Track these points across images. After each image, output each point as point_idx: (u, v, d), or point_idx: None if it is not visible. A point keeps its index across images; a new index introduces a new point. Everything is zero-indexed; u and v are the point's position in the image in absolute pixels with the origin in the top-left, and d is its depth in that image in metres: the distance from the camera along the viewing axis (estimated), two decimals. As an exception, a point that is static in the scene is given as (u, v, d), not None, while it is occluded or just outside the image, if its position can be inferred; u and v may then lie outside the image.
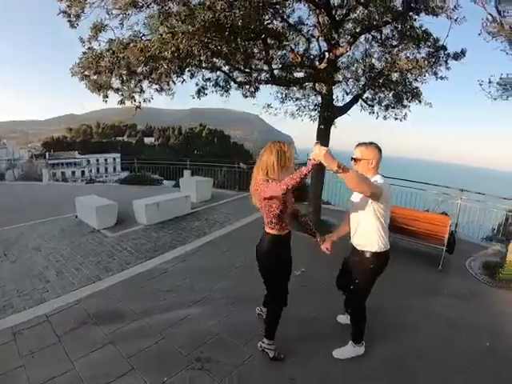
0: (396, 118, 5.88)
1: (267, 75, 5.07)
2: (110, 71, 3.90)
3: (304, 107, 6.08)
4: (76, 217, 6.87)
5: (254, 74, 5.04)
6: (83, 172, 44.85)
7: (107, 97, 4.64)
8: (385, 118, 6.22)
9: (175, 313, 3.36)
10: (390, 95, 5.61)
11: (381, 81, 4.90)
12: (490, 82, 4.74)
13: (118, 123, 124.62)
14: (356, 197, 2.52)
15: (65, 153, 61.33)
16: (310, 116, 5.97)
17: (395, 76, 4.80)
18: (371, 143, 2.45)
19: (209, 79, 5.52)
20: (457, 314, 3.58)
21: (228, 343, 2.93)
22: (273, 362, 2.70)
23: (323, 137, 5.77)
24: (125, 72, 4.08)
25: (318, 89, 5.36)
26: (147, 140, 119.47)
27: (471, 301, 3.94)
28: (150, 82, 4.65)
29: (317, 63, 5.42)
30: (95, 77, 4.11)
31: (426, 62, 4.62)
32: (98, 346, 2.82)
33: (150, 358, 2.71)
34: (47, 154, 52.65)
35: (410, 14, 4.51)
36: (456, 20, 4.30)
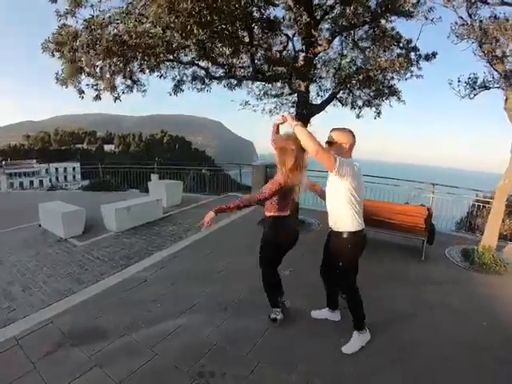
0: (378, 113, 5.91)
1: (249, 70, 4.83)
2: (88, 48, 3.37)
3: (282, 104, 5.96)
4: (40, 225, 6.08)
5: (235, 70, 4.78)
6: (41, 181, 41.48)
7: (83, 92, 4.10)
8: (358, 116, 6.28)
9: (164, 325, 2.96)
10: (365, 93, 5.65)
11: (360, 77, 4.88)
12: (459, 81, 4.94)
13: (78, 130, 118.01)
14: (330, 182, 2.52)
15: (22, 161, 56.79)
16: (289, 113, 5.84)
17: (373, 73, 4.80)
18: (345, 128, 2.50)
19: (185, 74, 5.16)
20: (447, 300, 3.60)
21: (229, 353, 2.61)
22: (283, 368, 2.46)
23: None
24: (100, 61, 3.58)
25: (295, 86, 5.23)
26: (107, 147, 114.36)
27: (458, 286, 4.00)
28: (123, 77, 4.19)
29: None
30: (69, 54, 3.55)
31: (405, 61, 4.69)
32: (81, 370, 2.35)
33: (145, 379, 2.31)
34: (4, 162, 48.23)
35: (387, 15, 4.56)
36: (432, 20, 4.41)
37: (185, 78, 5.30)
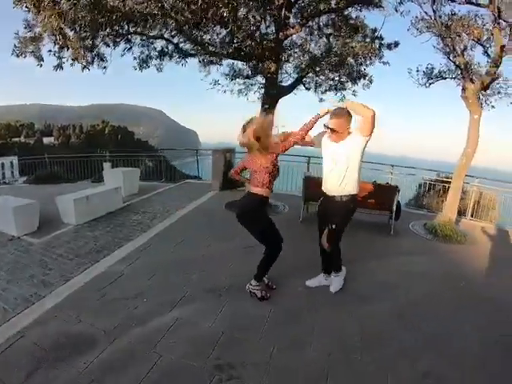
0: (343, 97, 5.91)
1: (227, 47, 4.39)
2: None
3: (252, 85, 5.67)
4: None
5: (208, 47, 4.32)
6: (-24, 180, 35.15)
7: (42, 59, 3.28)
8: (320, 100, 6.25)
9: (159, 320, 2.56)
10: (328, 77, 5.60)
11: (331, 61, 4.78)
12: (417, 71, 5.16)
13: (14, 122, 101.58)
14: (348, 147, 2.59)
15: (-48, 160, 46.59)
16: (260, 94, 5.60)
17: (345, 57, 4.73)
18: (341, 113, 2.53)
19: (154, 48, 4.53)
20: (423, 268, 3.81)
21: (240, 340, 2.36)
22: (299, 347, 2.32)
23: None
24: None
25: (266, 67, 4.94)
26: (46, 140, 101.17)
27: (429, 255, 4.26)
28: (85, 48, 3.46)
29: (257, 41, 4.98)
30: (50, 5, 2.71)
31: (378, 47, 4.73)
32: (76, 389, 1.87)
33: (158, 385, 1.93)
34: None
35: (359, 4, 4.51)
36: (402, 13, 4.50)
37: (152, 54, 4.66)
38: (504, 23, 3.95)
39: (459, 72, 4.71)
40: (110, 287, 3.09)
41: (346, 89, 5.82)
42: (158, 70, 5.44)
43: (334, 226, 2.73)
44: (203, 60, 4.98)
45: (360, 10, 4.74)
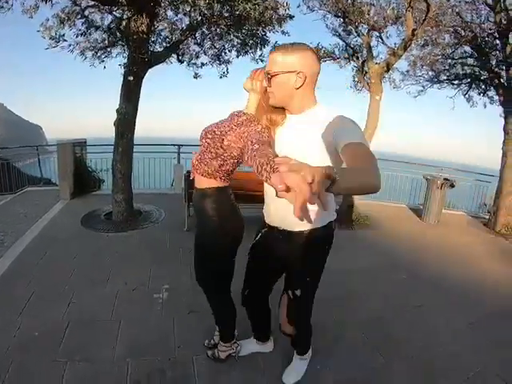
0: (225, 72, 4.82)
1: None
2: None
3: (114, 45, 3.99)
4: None
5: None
6: None
7: None
8: (196, 76, 4.93)
9: None
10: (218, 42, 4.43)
11: (232, 17, 3.61)
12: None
13: None
14: (300, 131, 1.21)
15: None
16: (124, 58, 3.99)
17: (248, 13, 3.60)
18: (295, 47, 1.14)
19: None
20: (353, 261, 3.31)
21: None
22: None
23: (132, 95, 3.86)
24: None
25: (136, 24, 3.40)
26: None
27: (348, 245, 3.64)
28: None
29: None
30: None
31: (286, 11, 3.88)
32: None
33: None
34: None
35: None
36: None
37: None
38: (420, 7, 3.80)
39: (351, 53, 4.49)
40: None
41: (230, 61, 4.68)
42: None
43: (298, 293, 1.46)
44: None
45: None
